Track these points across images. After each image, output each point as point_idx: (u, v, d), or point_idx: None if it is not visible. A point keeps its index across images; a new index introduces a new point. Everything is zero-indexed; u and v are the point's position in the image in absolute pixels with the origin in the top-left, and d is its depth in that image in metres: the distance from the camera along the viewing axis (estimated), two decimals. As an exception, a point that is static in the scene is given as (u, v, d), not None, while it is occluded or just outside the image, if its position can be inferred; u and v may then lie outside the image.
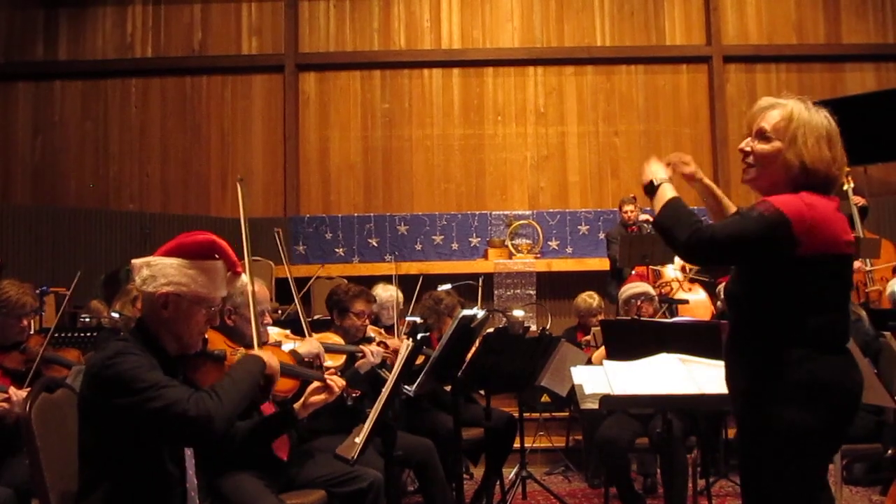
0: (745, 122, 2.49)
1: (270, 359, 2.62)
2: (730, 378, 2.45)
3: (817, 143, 2.33)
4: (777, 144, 2.35)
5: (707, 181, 2.68)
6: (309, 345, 3.55)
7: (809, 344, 2.27)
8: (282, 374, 2.90)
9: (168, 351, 2.49)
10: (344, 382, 3.02)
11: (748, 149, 2.41)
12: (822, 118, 2.39)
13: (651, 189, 2.47)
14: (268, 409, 3.30)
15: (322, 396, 2.92)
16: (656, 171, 2.51)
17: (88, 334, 4.69)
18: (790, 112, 2.36)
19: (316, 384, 2.96)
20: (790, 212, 2.23)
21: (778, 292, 2.27)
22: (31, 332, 4.16)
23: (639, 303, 5.40)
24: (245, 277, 2.66)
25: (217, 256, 2.53)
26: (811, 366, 2.26)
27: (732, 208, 2.69)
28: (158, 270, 2.46)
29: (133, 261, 2.53)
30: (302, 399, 2.92)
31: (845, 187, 7.20)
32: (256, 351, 2.57)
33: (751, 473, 2.36)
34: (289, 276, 3.97)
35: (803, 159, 2.31)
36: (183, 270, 2.46)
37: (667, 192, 2.42)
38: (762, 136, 2.38)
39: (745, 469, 2.41)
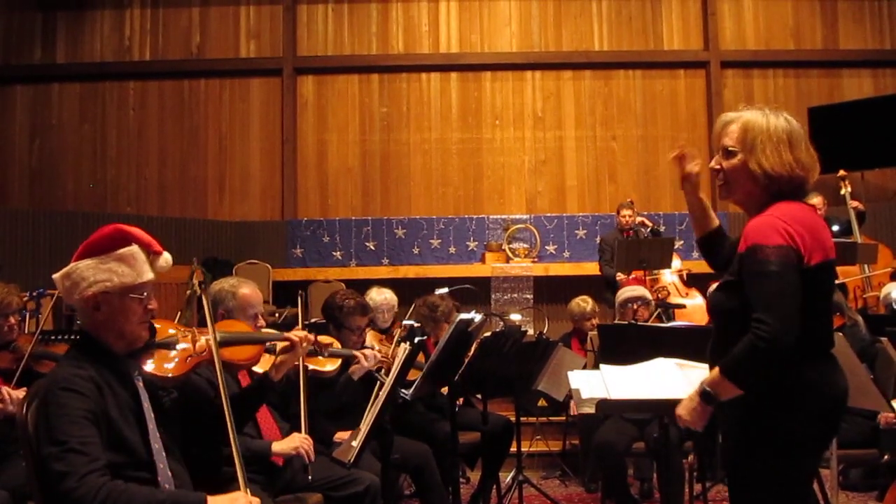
0: (713, 141, 2.51)
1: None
2: None
3: (776, 149, 2.35)
4: (740, 157, 2.38)
5: (700, 194, 2.68)
6: (290, 441, 3.42)
7: (799, 351, 2.28)
8: (239, 343, 2.89)
9: (116, 352, 2.44)
10: (305, 333, 3.01)
11: (718, 167, 2.44)
12: (780, 122, 2.40)
13: (707, 395, 2.31)
14: (245, 380, 3.30)
15: (289, 355, 2.92)
16: (694, 393, 2.36)
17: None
18: (745, 122, 2.40)
19: (281, 344, 2.96)
20: (785, 238, 2.24)
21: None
22: (25, 332, 4.16)
23: (635, 306, 5.44)
24: (168, 256, 2.57)
25: (129, 243, 2.47)
26: (799, 371, 2.28)
27: (716, 221, 2.71)
28: (78, 276, 2.41)
29: (53, 276, 2.47)
30: (272, 362, 2.92)
31: (843, 192, 7.22)
32: (223, 498, 2.34)
33: (741, 479, 2.36)
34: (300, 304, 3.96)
35: (764, 167, 2.35)
36: (100, 267, 2.41)
37: (713, 375, 2.31)
38: (726, 152, 2.42)
39: (734, 475, 2.41)
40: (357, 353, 3.95)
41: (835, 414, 2.35)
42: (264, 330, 3.41)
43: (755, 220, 2.34)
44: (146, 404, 2.46)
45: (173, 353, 2.61)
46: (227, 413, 2.47)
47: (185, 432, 2.56)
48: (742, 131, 2.39)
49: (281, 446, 3.32)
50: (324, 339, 3.94)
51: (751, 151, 2.36)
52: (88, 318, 2.44)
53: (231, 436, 2.44)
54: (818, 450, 2.41)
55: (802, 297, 2.23)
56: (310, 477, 3.32)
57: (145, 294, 2.47)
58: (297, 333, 2.99)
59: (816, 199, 5.73)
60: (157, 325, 2.63)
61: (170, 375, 2.57)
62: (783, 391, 2.27)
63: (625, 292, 5.61)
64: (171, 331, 2.71)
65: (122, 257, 2.44)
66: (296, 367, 3.28)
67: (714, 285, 2.63)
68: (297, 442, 3.32)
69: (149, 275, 2.48)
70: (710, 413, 2.34)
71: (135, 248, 2.47)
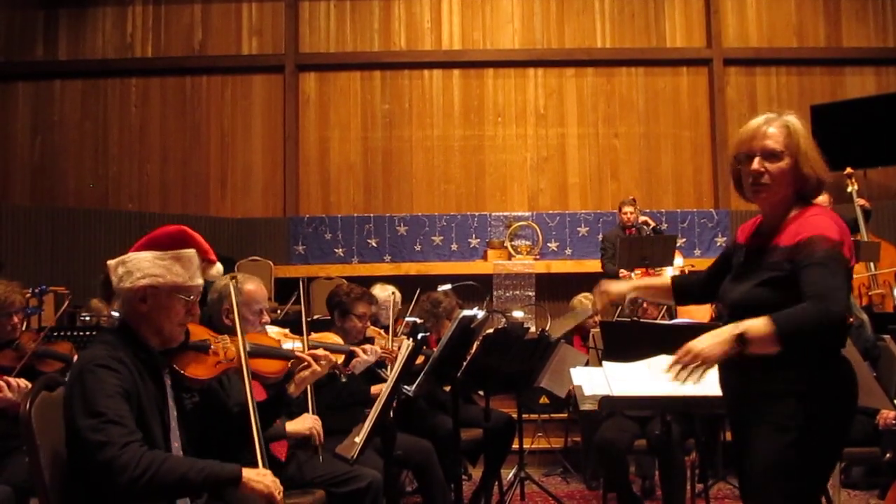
0: (742, 143, 2.49)
1: (256, 479, 2.34)
2: (747, 384, 2.45)
3: (815, 152, 2.42)
4: (788, 160, 2.40)
5: (640, 283, 2.87)
6: (303, 421, 3.48)
7: (827, 347, 2.36)
8: (263, 356, 2.90)
9: (151, 346, 2.48)
10: (326, 354, 3.02)
11: (762, 169, 2.42)
12: (803, 127, 2.47)
13: (743, 341, 2.23)
14: (260, 394, 3.30)
15: (308, 373, 2.92)
16: (727, 332, 2.27)
17: (88, 333, 4.68)
18: (794, 127, 2.43)
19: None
20: (838, 235, 2.31)
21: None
22: (25, 328, 4.14)
23: (645, 304, 5.40)
24: (219, 266, 2.65)
25: (189, 246, 2.53)
26: (832, 367, 2.37)
27: (667, 280, 2.89)
28: (133, 266, 2.46)
29: (108, 262, 2.53)
30: (292, 378, 2.92)
31: (849, 189, 7.20)
32: (252, 471, 2.37)
33: (773, 473, 2.36)
34: (302, 295, 3.98)
35: (816, 171, 2.41)
36: (157, 262, 2.46)
37: (758, 324, 2.23)
38: (772, 155, 2.41)
39: (765, 471, 2.39)
40: (356, 348, 3.94)
41: (856, 405, 2.44)
42: (282, 342, 3.42)
43: (810, 218, 2.38)
44: (171, 402, 2.50)
45: (203, 356, 2.65)
46: (253, 421, 2.50)
47: (199, 438, 2.58)
48: (792, 135, 2.41)
49: (295, 426, 3.40)
50: (327, 335, 3.96)
51: (804, 155, 2.40)
52: (132, 308, 2.48)
53: (256, 443, 2.49)
54: (844, 441, 2.46)
55: None
56: (321, 458, 3.40)
57: (191, 298, 2.52)
58: (319, 354, 2.99)
59: (823, 198, 5.71)
60: (190, 329, 2.66)
61: (197, 378, 2.60)
62: (827, 385, 2.34)
63: (637, 289, 5.58)
64: (204, 336, 2.74)
65: (180, 257, 2.50)
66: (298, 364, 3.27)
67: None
68: (310, 423, 3.43)
69: (199, 280, 2.55)
70: (727, 356, 2.25)
71: (193, 251, 2.53)
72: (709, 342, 2.27)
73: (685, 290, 2.86)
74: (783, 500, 2.35)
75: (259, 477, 2.35)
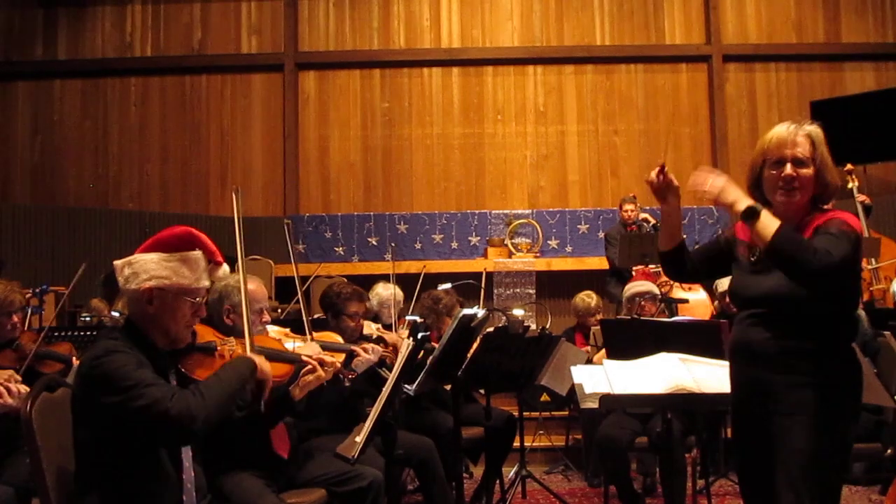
0: (771, 150, 2.58)
1: (262, 363, 2.58)
2: (769, 375, 2.51)
3: (831, 159, 2.57)
4: (813, 168, 2.55)
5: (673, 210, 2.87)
6: (310, 348, 3.52)
7: (851, 338, 2.53)
8: (271, 360, 2.92)
9: (158, 346, 2.50)
10: (333, 360, 3.03)
11: (794, 174, 2.54)
12: None
13: (752, 214, 2.44)
14: None
15: (313, 377, 2.93)
16: (739, 193, 2.51)
17: (88, 333, 4.68)
18: (818, 138, 2.57)
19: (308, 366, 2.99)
20: (857, 227, 2.47)
21: (842, 293, 2.47)
22: (26, 328, 4.14)
23: (642, 301, 5.42)
24: (226, 268, 2.67)
25: (196, 248, 2.55)
26: (849, 357, 2.51)
27: (682, 234, 2.95)
28: (140, 267, 2.47)
29: (115, 262, 2.53)
30: (297, 381, 2.93)
31: (850, 185, 7.20)
32: (249, 353, 2.53)
33: (814, 461, 2.42)
34: (295, 273, 3.97)
35: (836, 178, 2.58)
36: (164, 264, 2.47)
37: (769, 219, 2.43)
38: (801, 162, 2.54)
39: (806, 459, 2.43)
40: (357, 347, 3.94)
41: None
42: (283, 341, 3.42)
43: (840, 213, 2.55)
44: None
45: (209, 359, 2.65)
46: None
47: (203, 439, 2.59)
48: (813, 145, 2.56)
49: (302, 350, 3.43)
50: (329, 334, 3.96)
51: (826, 163, 2.57)
52: (139, 309, 2.49)
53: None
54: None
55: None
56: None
57: (198, 299, 2.54)
58: (326, 360, 3.00)
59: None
60: (197, 330, 2.70)
61: (202, 380, 2.60)
62: (847, 374, 2.49)
63: (633, 287, 5.61)
64: (210, 337, 2.74)
65: (187, 259, 2.51)
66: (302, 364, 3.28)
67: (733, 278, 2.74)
68: (318, 348, 3.45)
69: (205, 282, 2.57)
70: (724, 202, 2.49)
71: (199, 253, 2.55)
72: (729, 186, 2.50)
73: (681, 255, 2.88)
74: (819, 487, 2.42)
75: (263, 364, 2.58)
